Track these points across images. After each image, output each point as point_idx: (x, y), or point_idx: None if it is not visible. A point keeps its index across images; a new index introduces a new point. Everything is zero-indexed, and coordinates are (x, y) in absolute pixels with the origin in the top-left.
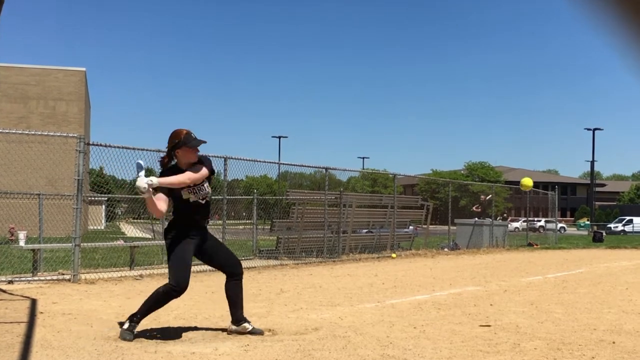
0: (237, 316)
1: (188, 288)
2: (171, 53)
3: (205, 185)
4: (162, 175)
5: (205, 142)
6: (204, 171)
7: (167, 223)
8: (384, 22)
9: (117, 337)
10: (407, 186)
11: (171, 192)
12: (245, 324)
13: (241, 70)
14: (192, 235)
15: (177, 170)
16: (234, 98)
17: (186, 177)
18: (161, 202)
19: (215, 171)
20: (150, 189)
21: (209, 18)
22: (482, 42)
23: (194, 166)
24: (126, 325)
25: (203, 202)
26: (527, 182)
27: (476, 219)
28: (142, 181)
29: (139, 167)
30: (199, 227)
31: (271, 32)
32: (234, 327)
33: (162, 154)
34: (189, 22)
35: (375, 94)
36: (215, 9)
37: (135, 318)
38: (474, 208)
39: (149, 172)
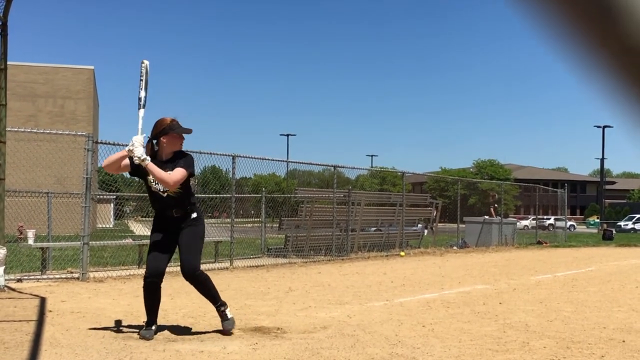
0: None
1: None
2: (179, 51)
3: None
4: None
5: (190, 130)
6: (184, 176)
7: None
8: (392, 19)
9: (125, 335)
10: (416, 184)
11: (143, 177)
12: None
13: (250, 68)
14: (161, 224)
15: (157, 158)
16: (242, 96)
17: (171, 180)
18: (124, 163)
19: (195, 173)
20: (139, 162)
21: (218, 16)
22: (491, 40)
23: (175, 162)
24: (153, 327)
25: (164, 195)
26: None
27: (485, 217)
28: (140, 152)
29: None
30: (166, 217)
31: (279, 29)
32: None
33: None
34: (197, 20)
35: (384, 92)
36: (224, 6)
37: (148, 320)
38: (491, 210)
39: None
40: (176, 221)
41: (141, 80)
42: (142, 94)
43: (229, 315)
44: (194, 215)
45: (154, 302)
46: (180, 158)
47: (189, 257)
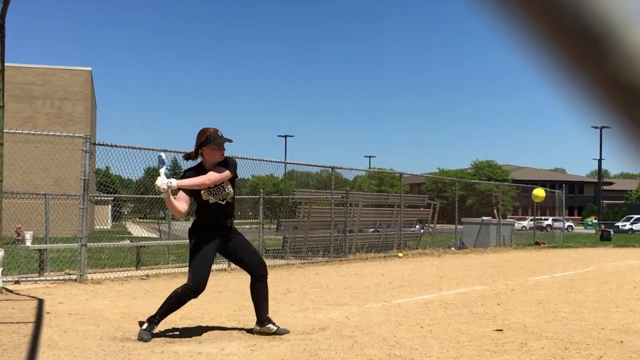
0: (261, 317)
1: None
2: (177, 53)
3: (227, 187)
4: (185, 174)
5: (230, 140)
6: (226, 173)
7: (191, 222)
8: (390, 19)
9: (123, 337)
10: (414, 185)
11: (193, 193)
12: (269, 325)
13: (248, 68)
14: (213, 236)
15: (201, 169)
16: (240, 97)
17: (205, 178)
18: (182, 202)
19: (238, 176)
20: (169, 190)
21: (216, 16)
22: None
23: (217, 167)
24: (145, 326)
25: (223, 203)
26: (539, 192)
27: (483, 217)
28: (162, 181)
29: (161, 162)
30: (220, 228)
31: (277, 30)
32: (257, 328)
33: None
34: (195, 21)
35: (382, 93)
36: (223, 7)
37: (154, 319)
38: (494, 211)
39: (173, 167)
40: (227, 231)
41: (160, 168)
42: (164, 157)
43: (275, 327)
44: (234, 225)
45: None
46: (227, 163)
47: (261, 260)
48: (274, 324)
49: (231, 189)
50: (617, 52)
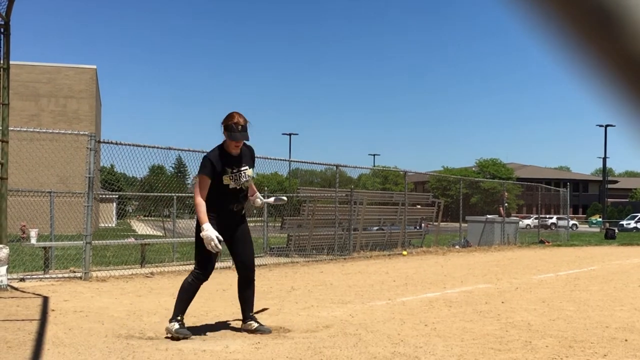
0: (245, 314)
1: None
2: (181, 51)
3: (246, 172)
4: (210, 153)
5: (246, 139)
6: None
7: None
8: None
9: (128, 334)
10: (418, 183)
11: (215, 176)
12: (251, 322)
13: (252, 66)
14: (222, 221)
15: (222, 149)
16: (244, 95)
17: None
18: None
19: (255, 165)
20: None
21: (219, 14)
22: (491, 37)
23: (243, 157)
24: (175, 327)
25: (239, 188)
26: None
27: (487, 216)
28: (213, 234)
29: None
30: (231, 214)
31: (281, 28)
32: (242, 325)
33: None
34: (198, 19)
35: (386, 91)
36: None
37: (176, 319)
38: (500, 209)
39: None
40: (237, 217)
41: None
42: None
43: (256, 325)
44: (243, 211)
45: (192, 300)
46: (249, 151)
47: (252, 263)
48: (256, 320)
49: (250, 174)
50: (630, 30)
